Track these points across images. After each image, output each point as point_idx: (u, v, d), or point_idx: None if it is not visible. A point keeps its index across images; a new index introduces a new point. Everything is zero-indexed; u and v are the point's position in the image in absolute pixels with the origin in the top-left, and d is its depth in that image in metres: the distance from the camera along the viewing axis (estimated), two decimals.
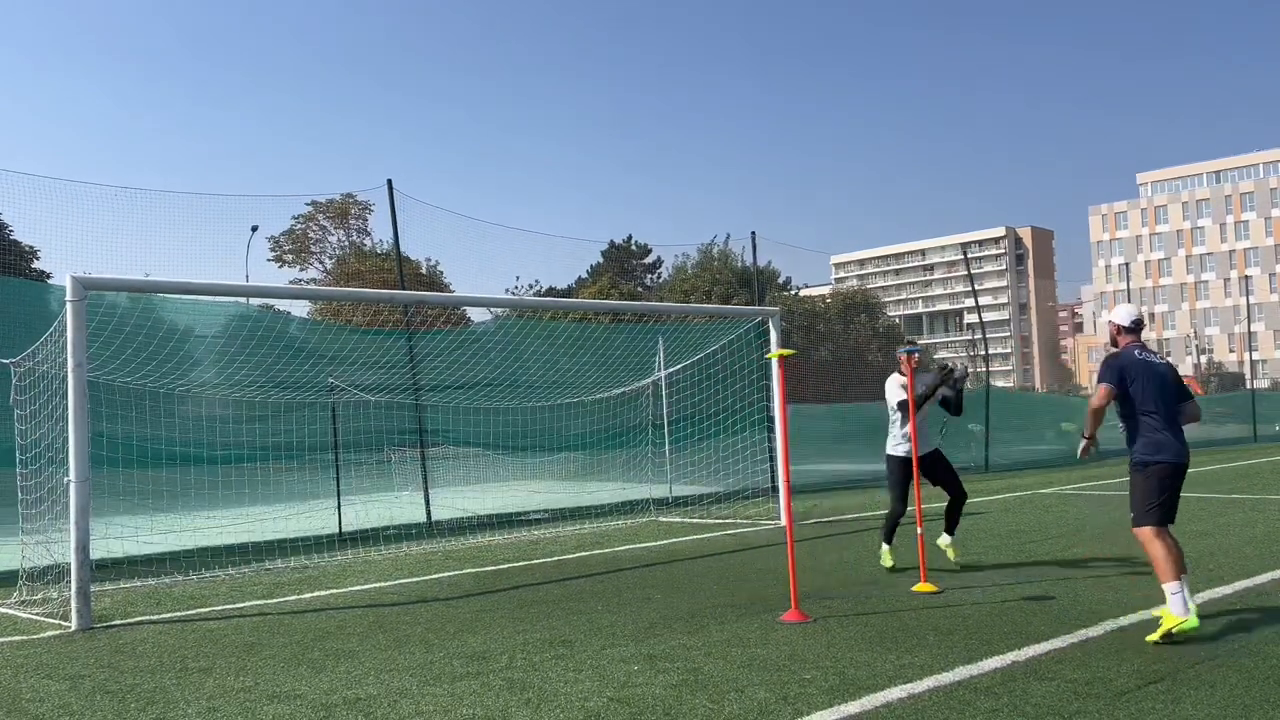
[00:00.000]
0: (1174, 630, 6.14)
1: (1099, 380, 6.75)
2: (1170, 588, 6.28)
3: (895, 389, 9.15)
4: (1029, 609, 7.32)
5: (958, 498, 9.26)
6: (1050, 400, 44.97)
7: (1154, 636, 6.18)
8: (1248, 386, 46.00)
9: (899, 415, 9.15)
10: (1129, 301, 7.04)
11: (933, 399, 9.07)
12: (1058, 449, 25.64)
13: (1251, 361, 46.19)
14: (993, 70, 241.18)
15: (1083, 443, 7.01)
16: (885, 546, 9.30)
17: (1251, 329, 65.06)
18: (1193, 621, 6.14)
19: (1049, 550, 10.21)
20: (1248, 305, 45.53)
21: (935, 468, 9.29)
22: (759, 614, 7.45)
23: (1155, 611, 6.66)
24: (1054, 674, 5.56)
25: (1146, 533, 6.50)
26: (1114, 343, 6.93)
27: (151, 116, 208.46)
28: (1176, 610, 6.19)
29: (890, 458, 9.25)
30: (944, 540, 9.33)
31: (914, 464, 8.95)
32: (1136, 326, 6.85)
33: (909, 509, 9.14)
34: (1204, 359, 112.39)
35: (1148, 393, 6.57)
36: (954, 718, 4.85)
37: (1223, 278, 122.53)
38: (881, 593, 8.18)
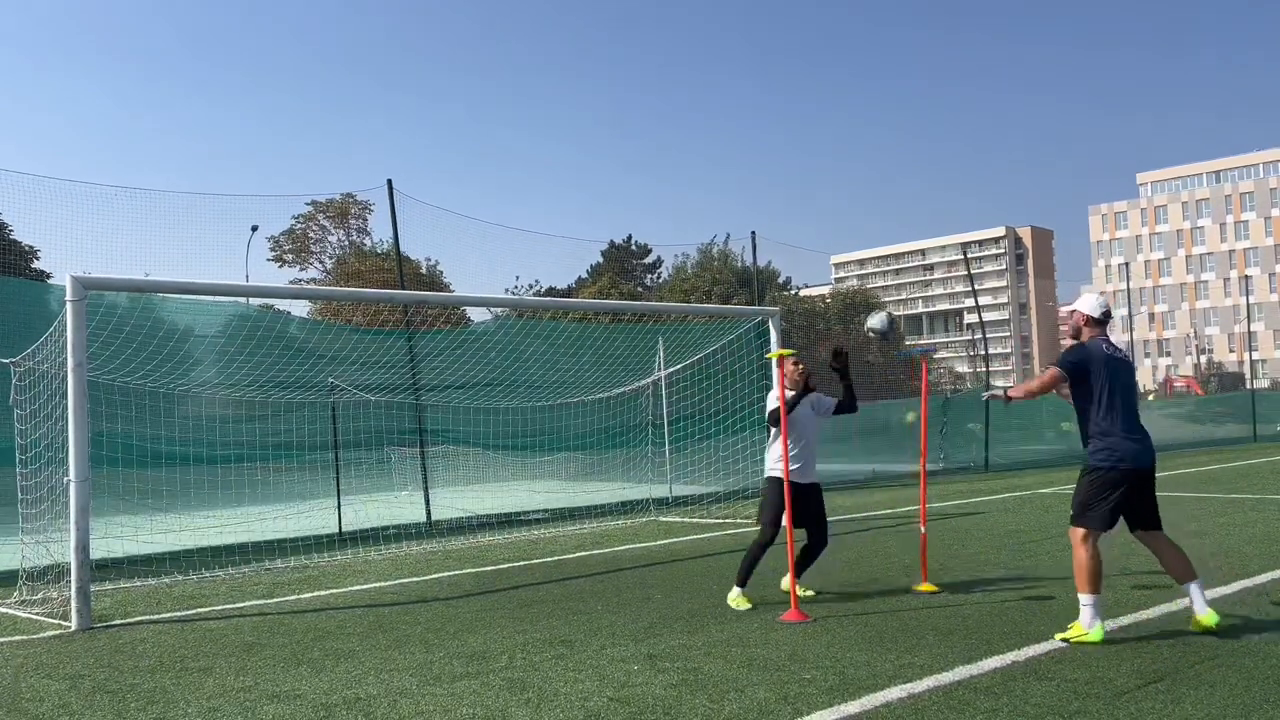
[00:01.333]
0: (1073, 640, 6.17)
1: (1057, 361, 6.53)
2: (1083, 599, 6.24)
3: (770, 399, 8.11)
4: (1029, 609, 7.31)
5: (816, 545, 8.02)
6: (1050, 400, 44.92)
7: (1059, 635, 6.28)
8: (1248, 386, 46.01)
9: (773, 430, 7.98)
10: (1100, 297, 6.51)
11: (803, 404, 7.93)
12: (1057, 449, 25.64)
13: (1251, 361, 46.21)
14: (993, 70, 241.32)
15: (1001, 394, 6.98)
16: (736, 589, 7.79)
17: (1251, 329, 65.15)
18: (1097, 635, 6.14)
19: (1049, 550, 10.21)
20: (1247, 305, 45.60)
21: (809, 503, 7.91)
22: (759, 614, 7.45)
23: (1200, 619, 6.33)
24: (1054, 674, 5.56)
25: (1077, 533, 6.37)
26: (1077, 334, 6.59)
27: (151, 116, 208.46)
28: (1085, 622, 6.22)
29: (767, 479, 8.04)
30: (787, 582, 7.83)
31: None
32: (1105, 318, 6.55)
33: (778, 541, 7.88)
34: (1204, 359, 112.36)
35: (1109, 390, 6.33)
36: (954, 718, 4.85)
37: (1222, 278, 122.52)
38: (881, 593, 8.18)
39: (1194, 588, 6.34)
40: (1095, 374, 6.37)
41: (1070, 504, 6.55)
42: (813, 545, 8.01)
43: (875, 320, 8.37)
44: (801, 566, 7.95)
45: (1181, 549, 6.50)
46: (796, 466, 7.86)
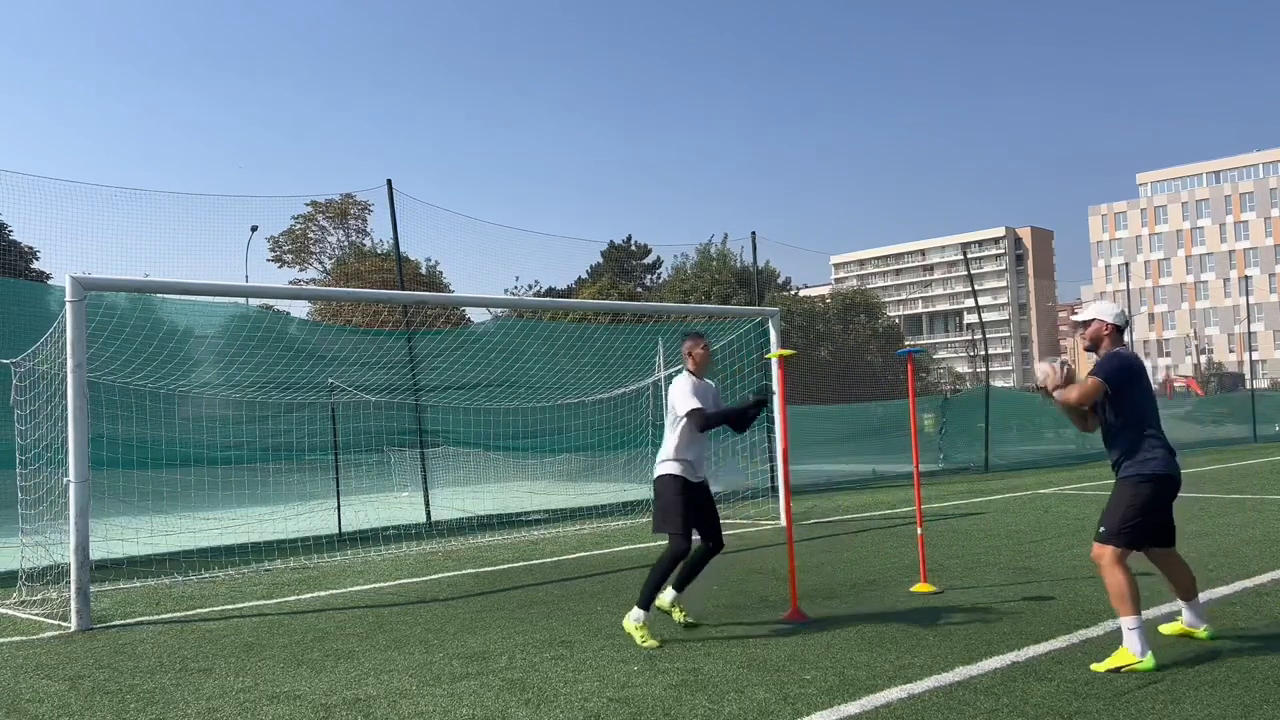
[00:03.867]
0: (1123, 668, 5.54)
1: (1097, 373, 5.84)
2: (1128, 622, 5.63)
3: (686, 391, 6.86)
4: (1029, 609, 7.31)
5: (714, 550, 6.98)
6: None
7: (1101, 666, 5.60)
8: (1247, 386, 46.02)
9: (682, 421, 6.81)
10: (1114, 300, 6.27)
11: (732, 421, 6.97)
12: (1057, 449, 25.67)
13: (1251, 361, 46.10)
14: (993, 70, 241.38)
15: (1046, 387, 6.07)
16: (639, 613, 6.67)
17: (1251, 329, 65.12)
18: (1149, 664, 5.54)
19: (1049, 550, 10.20)
20: (1247, 305, 45.58)
21: (705, 503, 6.97)
22: (759, 614, 7.45)
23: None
24: (1054, 674, 5.55)
25: (1108, 554, 5.76)
26: (1096, 345, 6.13)
27: (151, 116, 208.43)
28: (1136, 650, 5.58)
29: (662, 478, 6.86)
30: (668, 597, 7.05)
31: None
32: (1124, 325, 6.16)
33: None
34: (1204, 359, 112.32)
35: (1149, 398, 6.01)
36: (954, 718, 4.84)
37: (1222, 278, 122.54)
38: (881, 593, 8.18)
39: (1195, 605, 6.16)
40: (1135, 383, 5.96)
41: (1101, 521, 5.90)
42: (710, 550, 6.98)
43: None
44: (690, 577, 7.02)
45: (1190, 569, 6.20)
46: (693, 464, 6.87)
